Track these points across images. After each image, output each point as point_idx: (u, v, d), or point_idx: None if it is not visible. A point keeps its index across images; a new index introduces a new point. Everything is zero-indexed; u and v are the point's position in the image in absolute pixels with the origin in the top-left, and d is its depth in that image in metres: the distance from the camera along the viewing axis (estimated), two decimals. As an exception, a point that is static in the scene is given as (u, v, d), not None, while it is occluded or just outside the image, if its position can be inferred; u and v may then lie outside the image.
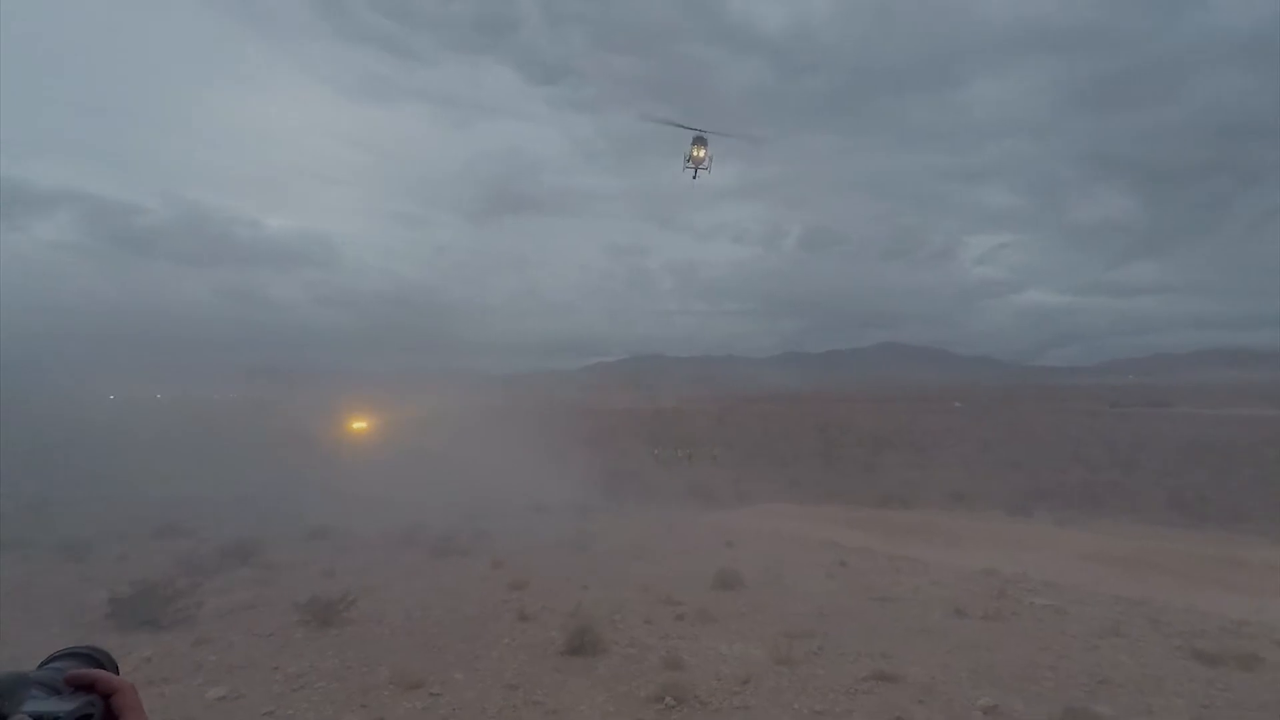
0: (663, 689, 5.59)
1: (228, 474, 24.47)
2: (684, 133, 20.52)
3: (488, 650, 6.73)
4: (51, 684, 0.74)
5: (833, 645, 7.04)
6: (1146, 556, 13.05)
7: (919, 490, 23.88)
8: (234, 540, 12.31)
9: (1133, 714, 5.38)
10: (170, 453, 30.44)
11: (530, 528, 15.71)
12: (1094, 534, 16.27)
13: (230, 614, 8.21)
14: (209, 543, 12.79)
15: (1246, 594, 10.48)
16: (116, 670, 0.75)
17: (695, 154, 19.34)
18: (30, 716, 0.72)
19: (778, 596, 9.20)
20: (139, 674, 6.07)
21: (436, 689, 5.72)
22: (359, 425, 44.12)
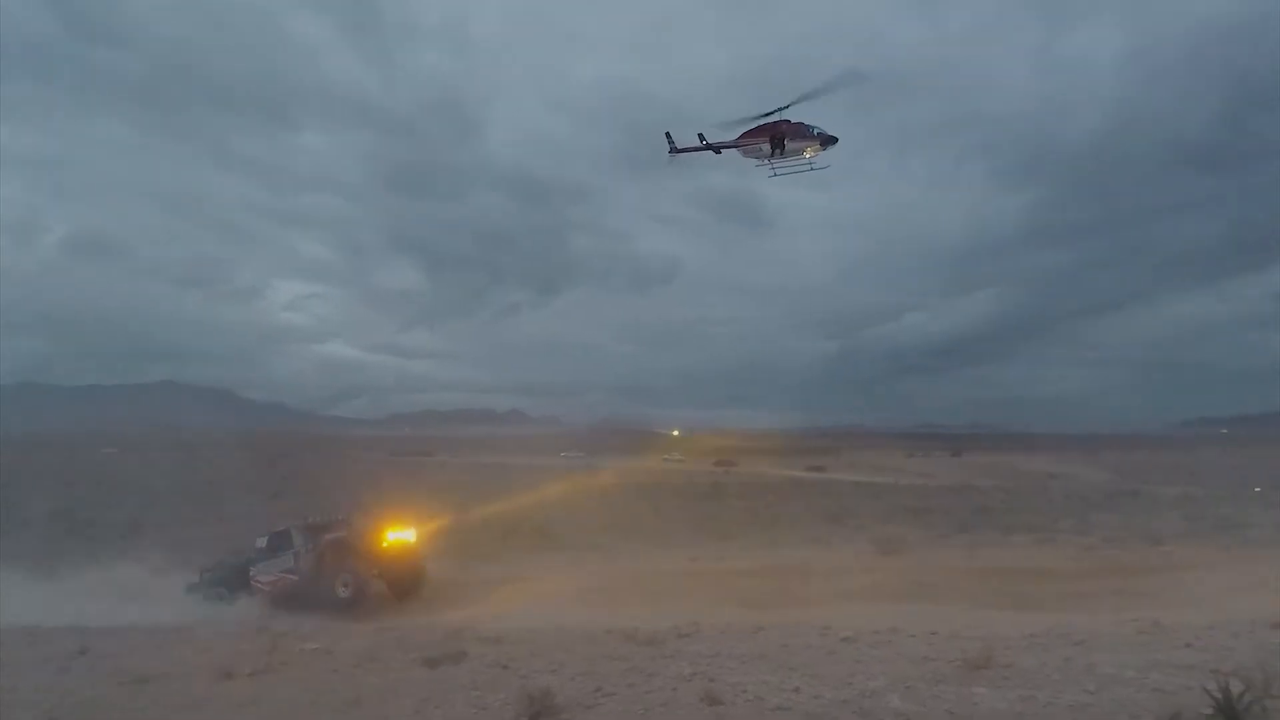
0: None
1: None
2: None
3: None
4: None
5: (67, 749, 6.15)
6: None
7: (195, 549, 22.17)
8: None
9: (376, 722, 6.70)
10: None
11: None
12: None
13: None
14: None
15: (477, 606, 14.15)
16: None
17: (809, 152, 14.94)
18: None
19: (-20, 711, 7.30)
20: None
21: None
22: None
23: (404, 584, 16.18)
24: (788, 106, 15.20)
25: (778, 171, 15.72)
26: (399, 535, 15.89)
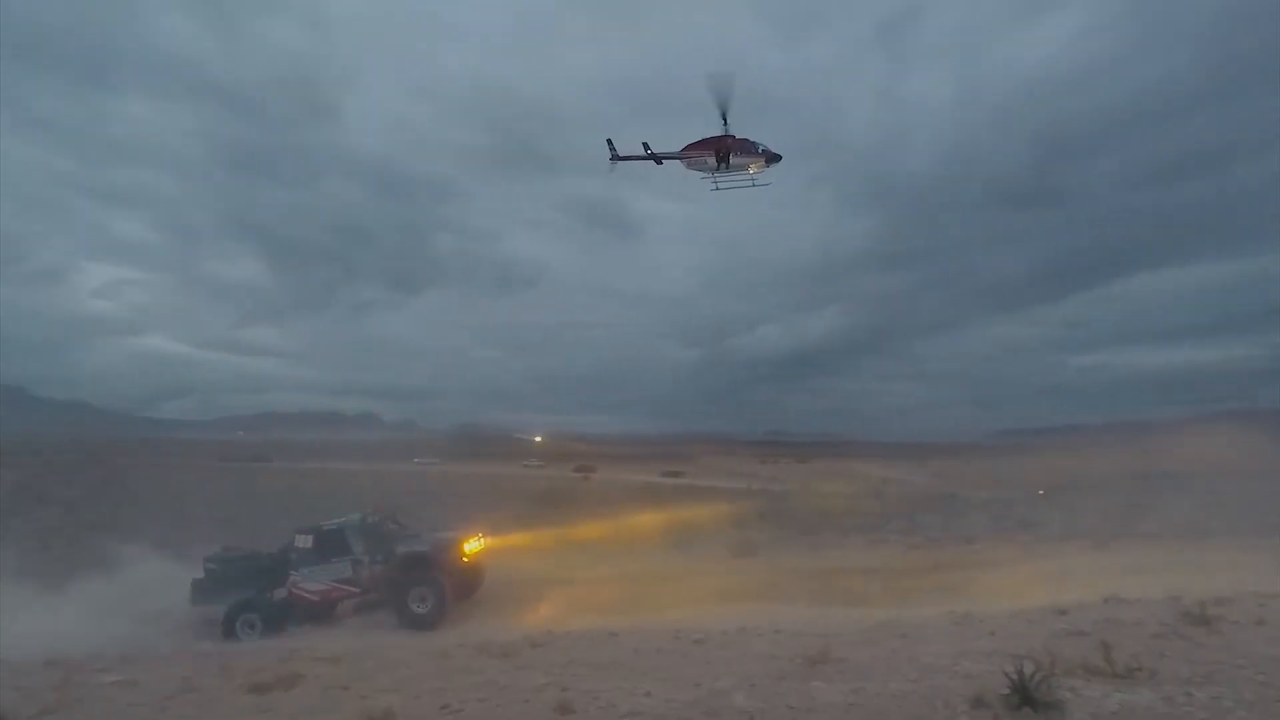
0: None
1: None
2: None
3: None
4: None
5: None
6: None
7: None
8: None
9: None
10: None
11: None
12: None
13: None
14: None
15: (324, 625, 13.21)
16: None
17: (754, 168, 14.88)
18: None
19: None
20: None
21: None
22: None
23: (469, 590, 15.30)
24: (727, 124, 15.44)
25: (720, 185, 15.96)
26: (475, 545, 15.07)
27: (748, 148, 15.85)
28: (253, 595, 13.93)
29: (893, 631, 9.10)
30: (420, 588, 13.83)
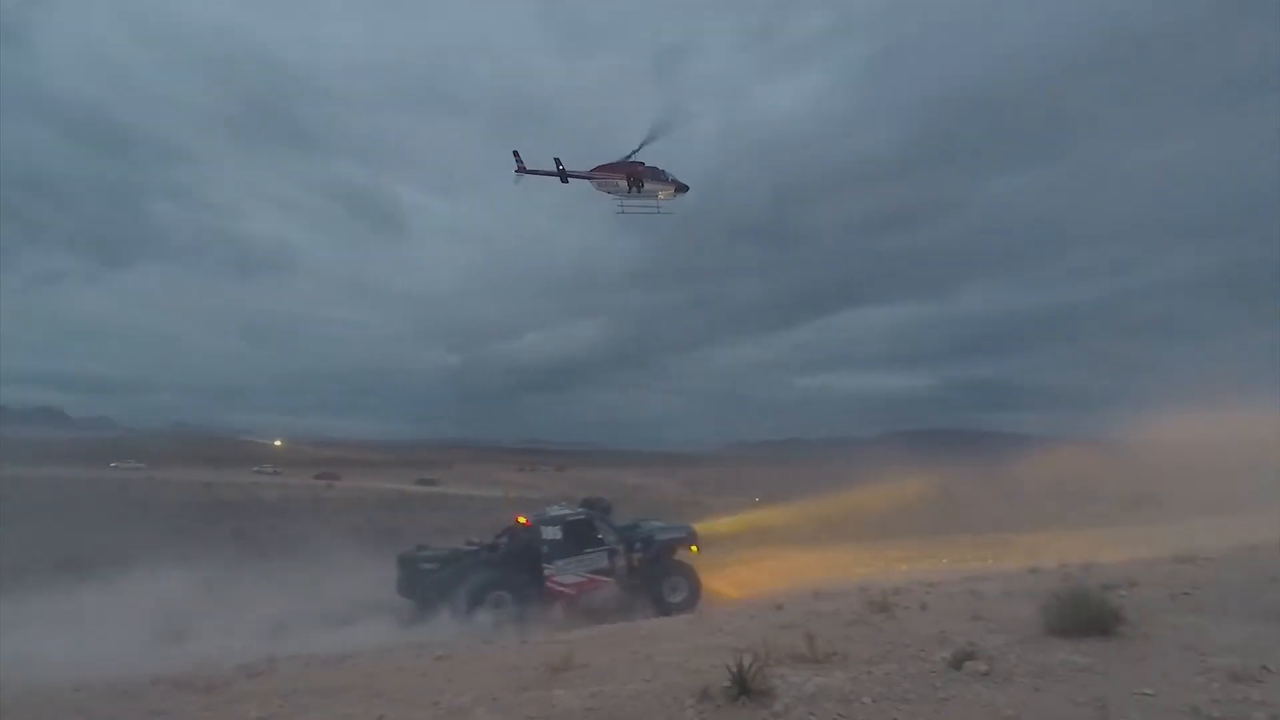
0: None
1: None
2: None
3: None
4: None
5: None
6: None
7: None
8: None
9: None
10: None
11: None
12: None
13: None
14: None
15: None
16: None
17: (662, 195, 16.63)
18: None
19: None
20: None
21: None
22: None
23: None
24: (640, 149, 15.52)
25: (626, 209, 16.02)
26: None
27: (659, 176, 16.29)
28: (501, 574, 13.33)
29: (634, 634, 9.56)
30: (673, 577, 14.39)
